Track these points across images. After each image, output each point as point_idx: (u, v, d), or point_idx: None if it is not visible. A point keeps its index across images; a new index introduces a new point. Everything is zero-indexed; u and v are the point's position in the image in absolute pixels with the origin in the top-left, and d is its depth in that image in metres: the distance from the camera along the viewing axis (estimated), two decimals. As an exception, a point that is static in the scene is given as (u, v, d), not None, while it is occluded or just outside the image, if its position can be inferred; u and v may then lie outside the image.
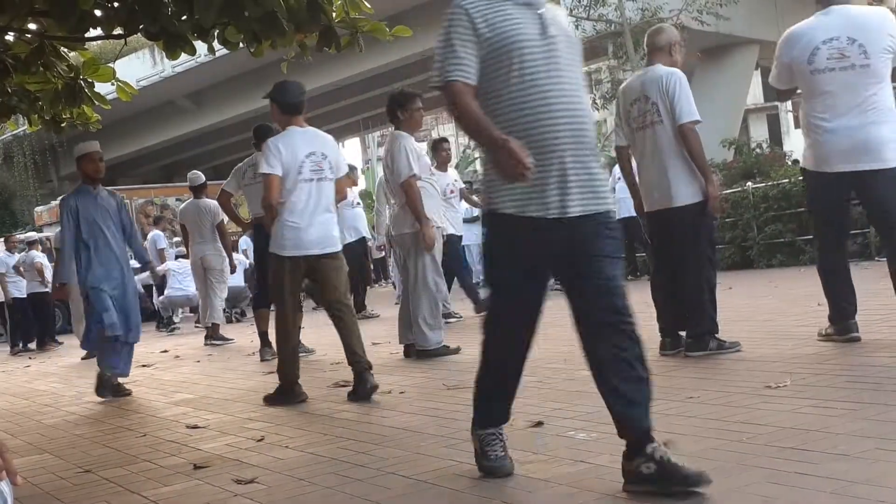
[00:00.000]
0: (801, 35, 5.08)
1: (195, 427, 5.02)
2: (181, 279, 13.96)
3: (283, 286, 5.51)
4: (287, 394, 5.46)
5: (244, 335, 10.63)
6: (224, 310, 12.20)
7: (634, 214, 6.15)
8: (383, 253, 20.53)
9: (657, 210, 5.41)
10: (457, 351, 6.73)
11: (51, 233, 16.91)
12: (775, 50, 5.28)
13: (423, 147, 8.40)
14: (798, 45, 5.05)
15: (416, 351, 6.75)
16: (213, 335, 10.56)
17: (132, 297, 6.91)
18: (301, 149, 5.49)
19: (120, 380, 6.79)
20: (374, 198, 12.90)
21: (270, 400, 5.47)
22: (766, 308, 7.49)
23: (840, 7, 5.04)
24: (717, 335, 5.32)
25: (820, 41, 4.97)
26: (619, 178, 7.12)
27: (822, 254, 5.28)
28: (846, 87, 4.93)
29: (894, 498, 2.39)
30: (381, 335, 8.63)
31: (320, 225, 5.51)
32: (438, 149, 10.31)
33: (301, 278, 5.59)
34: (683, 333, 5.39)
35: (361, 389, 5.27)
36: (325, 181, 5.56)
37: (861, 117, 4.91)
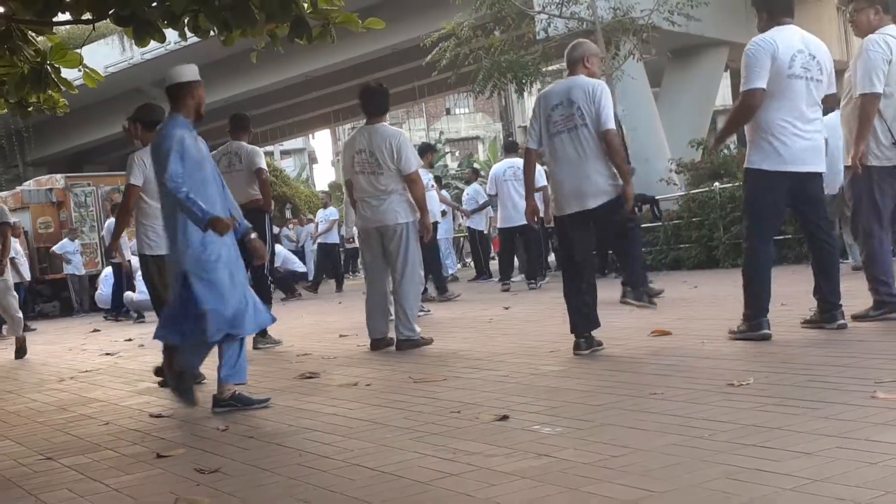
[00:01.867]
0: (779, 43, 5.37)
1: (159, 416, 5.00)
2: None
3: (154, 283, 6.40)
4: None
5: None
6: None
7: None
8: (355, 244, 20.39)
9: (580, 211, 5.60)
10: (429, 342, 6.88)
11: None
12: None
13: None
14: (779, 51, 5.34)
15: (401, 341, 6.83)
16: None
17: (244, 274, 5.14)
18: None
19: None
20: (342, 190, 12.80)
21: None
22: (730, 307, 7.55)
23: (795, 27, 5.49)
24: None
25: (796, 50, 5.37)
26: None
27: (758, 252, 5.53)
28: (808, 97, 5.42)
29: (854, 496, 2.42)
30: (347, 327, 8.63)
31: None
32: None
33: (164, 274, 6.16)
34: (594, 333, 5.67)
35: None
36: None
37: (816, 124, 5.49)
